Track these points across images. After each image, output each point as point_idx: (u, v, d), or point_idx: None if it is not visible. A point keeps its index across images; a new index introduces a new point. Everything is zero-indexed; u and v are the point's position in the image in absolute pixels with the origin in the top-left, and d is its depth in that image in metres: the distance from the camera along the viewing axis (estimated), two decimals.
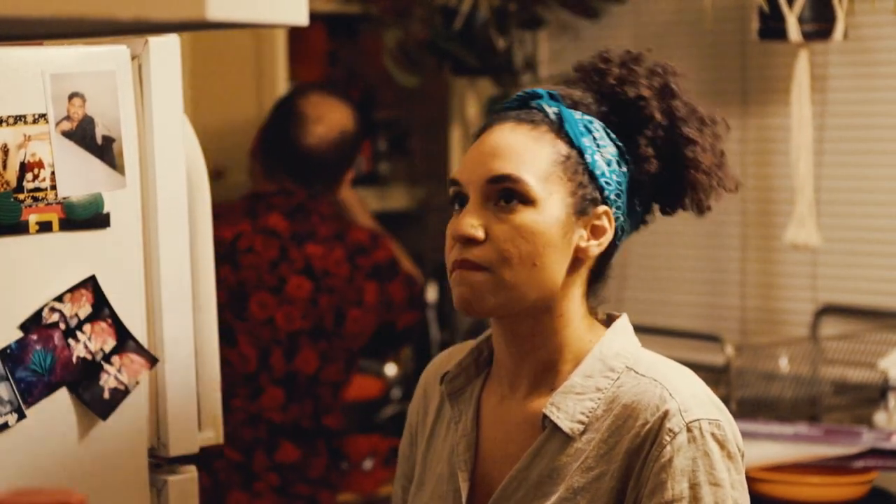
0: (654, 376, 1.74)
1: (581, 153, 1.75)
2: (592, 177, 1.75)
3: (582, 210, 1.75)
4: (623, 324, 1.82)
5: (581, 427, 1.74)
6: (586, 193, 1.75)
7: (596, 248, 1.76)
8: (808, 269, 3.32)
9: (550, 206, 1.73)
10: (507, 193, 1.73)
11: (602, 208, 1.76)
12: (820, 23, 3.01)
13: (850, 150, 3.28)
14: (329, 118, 3.22)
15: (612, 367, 1.76)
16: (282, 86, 3.48)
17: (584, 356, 1.78)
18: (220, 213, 3.10)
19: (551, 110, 1.78)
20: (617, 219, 1.77)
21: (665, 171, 1.80)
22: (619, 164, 1.78)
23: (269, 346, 3.07)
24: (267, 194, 3.17)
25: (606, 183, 1.76)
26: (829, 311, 3.31)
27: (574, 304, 1.78)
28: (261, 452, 3.09)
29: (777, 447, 2.73)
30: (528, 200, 1.73)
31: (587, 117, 1.78)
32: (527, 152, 1.74)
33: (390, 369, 3.79)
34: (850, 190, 3.29)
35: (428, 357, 3.84)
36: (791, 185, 3.16)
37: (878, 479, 2.73)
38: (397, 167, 3.97)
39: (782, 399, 3.15)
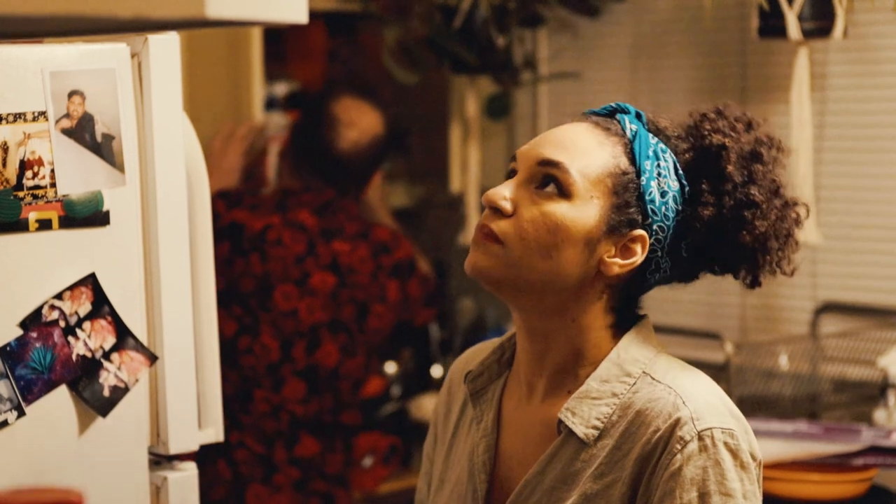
0: (669, 383, 1.73)
1: (639, 174, 1.74)
2: (641, 200, 1.74)
3: (616, 227, 1.73)
4: (643, 326, 1.80)
5: (596, 433, 1.72)
6: (628, 214, 1.74)
7: (618, 267, 1.74)
8: (808, 266, 3.31)
9: (586, 209, 1.73)
10: (548, 179, 1.74)
11: (638, 232, 1.74)
12: (820, 21, 3.01)
13: (850, 148, 3.28)
14: (362, 123, 3.25)
15: (629, 371, 1.75)
16: (258, 86, 3.47)
17: (602, 360, 1.76)
18: (252, 205, 3.15)
19: (630, 126, 1.77)
20: (654, 251, 1.75)
21: (719, 224, 1.77)
22: (675, 200, 1.76)
23: (291, 338, 3.10)
24: (297, 191, 3.20)
25: (653, 211, 1.74)
26: (828, 308, 3.31)
27: (591, 315, 1.77)
28: (281, 445, 3.11)
29: (777, 445, 2.73)
30: (565, 193, 1.73)
31: (663, 146, 1.77)
32: (586, 151, 1.75)
33: (390, 367, 3.79)
34: (850, 188, 3.28)
35: (427, 356, 3.84)
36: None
37: (877, 476, 2.73)
38: (397, 165, 3.97)
39: (782, 397, 3.15)
